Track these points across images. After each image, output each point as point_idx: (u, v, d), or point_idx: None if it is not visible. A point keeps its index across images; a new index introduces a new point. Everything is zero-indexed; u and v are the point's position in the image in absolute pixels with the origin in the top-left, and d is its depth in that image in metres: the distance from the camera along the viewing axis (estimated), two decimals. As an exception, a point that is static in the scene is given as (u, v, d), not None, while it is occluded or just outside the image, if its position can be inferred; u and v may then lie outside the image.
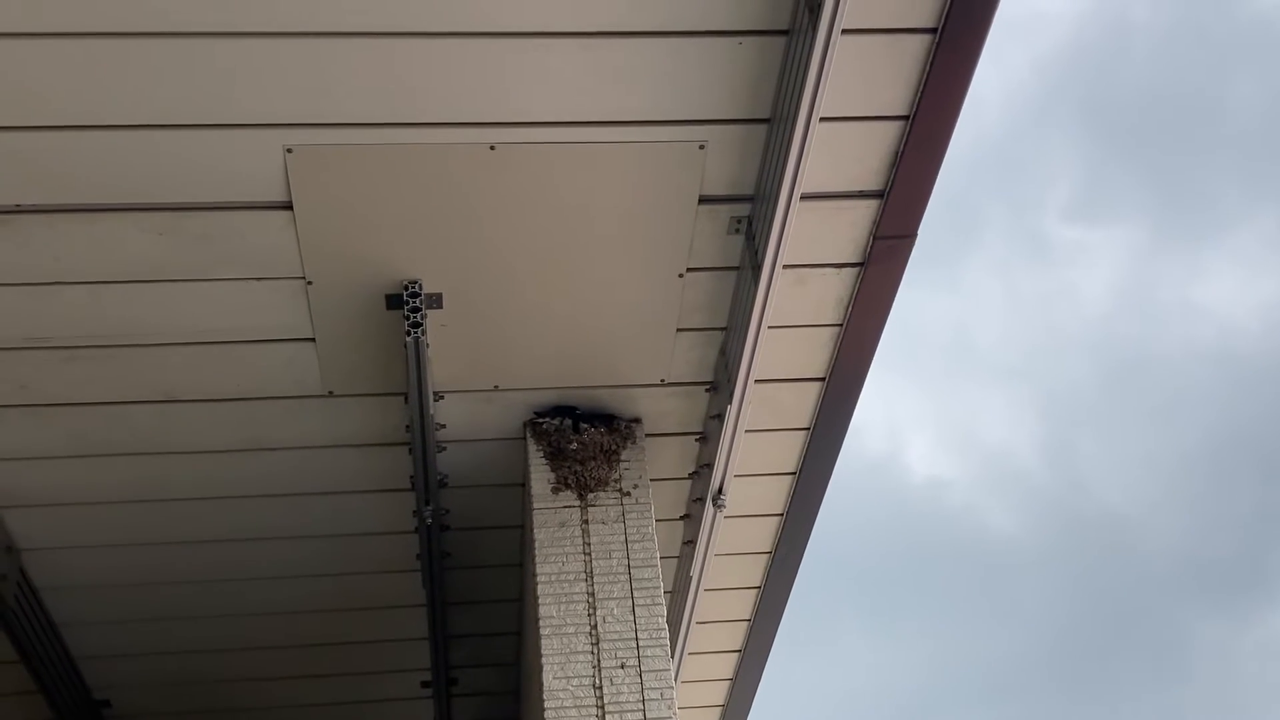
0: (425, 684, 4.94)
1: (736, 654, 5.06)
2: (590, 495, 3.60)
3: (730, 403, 3.44)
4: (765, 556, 4.49)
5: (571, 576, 3.45)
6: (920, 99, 2.89)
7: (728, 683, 5.26)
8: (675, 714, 3.22)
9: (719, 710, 5.46)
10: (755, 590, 4.68)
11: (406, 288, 3.19)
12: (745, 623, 4.87)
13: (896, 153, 3.03)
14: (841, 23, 2.52)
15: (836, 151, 3.01)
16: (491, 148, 2.90)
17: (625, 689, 3.24)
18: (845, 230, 3.23)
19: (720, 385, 3.59)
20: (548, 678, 3.24)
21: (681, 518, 4.16)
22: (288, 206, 2.98)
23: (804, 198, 3.00)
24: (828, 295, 3.41)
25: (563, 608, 3.38)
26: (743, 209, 3.16)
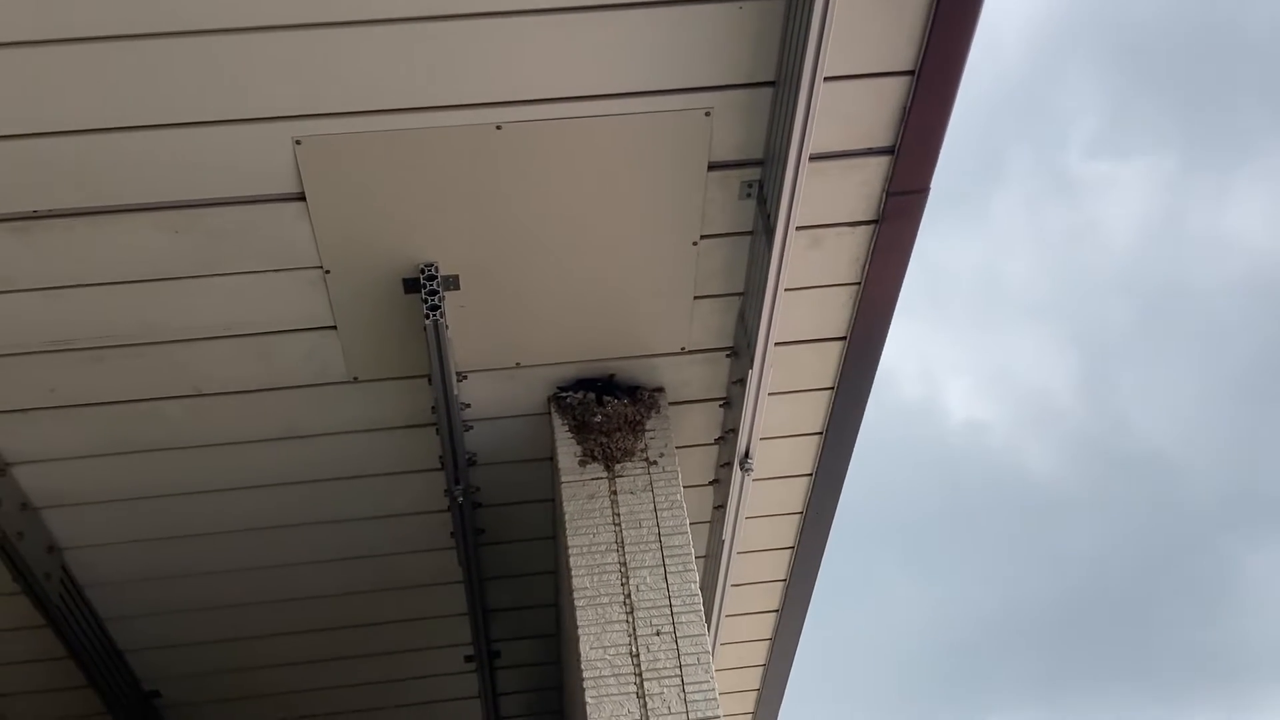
0: (469, 658, 5.00)
1: (774, 614, 5.09)
2: (617, 466, 3.62)
3: (751, 367, 3.45)
4: (797, 517, 4.51)
5: (603, 547, 3.48)
6: (925, 52, 2.87)
7: (767, 642, 5.30)
8: (713, 678, 3.25)
9: (760, 670, 5.50)
10: (789, 550, 4.70)
11: (423, 271, 3.21)
12: (781, 583, 4.89)
13: (904, 108, 3.01)
14: (840, -19, 2.51)
15: (844, 110, 3.00)
16: (498, 127, 2.91)
17: (662, 655, 3.27)
18: (857, 188, 3.22)
19: (740, 350, 3.60)
20: (584, 648, 3.28)
21: (711, 483, 4.18)
22: (300, 198, 3.00)
23: (814, 158, 3.00)
24: (843, 254, 3.40)
25: (596, 578, 3.41)
26: (753, 173, 3.15)
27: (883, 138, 3.10)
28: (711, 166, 3.11)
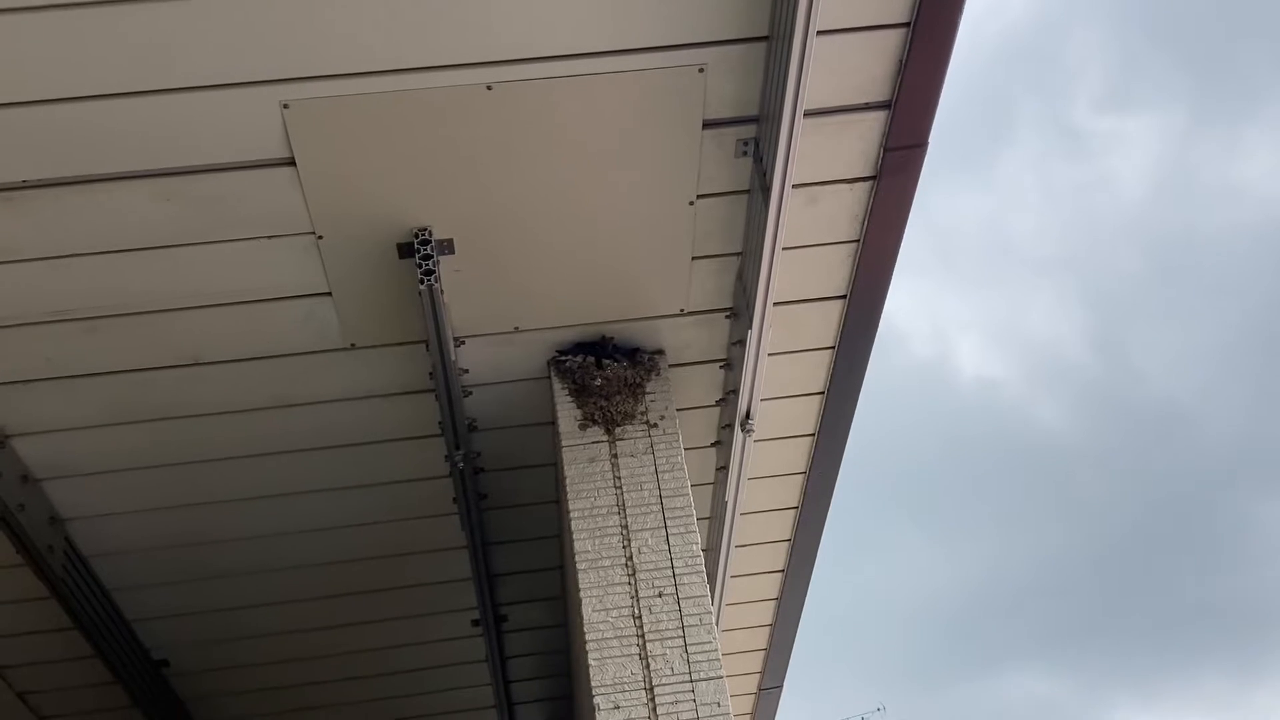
0: (475, 622, 5.01)
1: (779, 574, 5.09)
2: (618, 429, 3.61)
3: (751, 327, 3.42)
4: (800, 477, 4.49)
5: (604, 510, 3.46)
6: (920, 3, 2.82)
7: (773, 603, 5.30)
8: (716, 638, 3.24)
9: (767, 629, 5.51)
10: (793, 510, 4.69)
11: (417, 235, 3.18)
12: (786, 543, 4.89)
13: (900, 61, 2.97)
14: (831, -68, 2.46)
15: (839, 65, 2.95)
16: (489, 88, 2.87)
17: (664, 617, 3.27)
18: (854, 144, 3.18)
19: (740, 311, 3.57)
20: (587, 610, 3.27)
21: (713, 445, 4.16)
22: (291, 163, 2.97)
23: (809, 114, 2.95)
24: (841, 212, 3.37)
25: (597, 541, 3.40)
26: (748, 130, 3.11)
27: (879, 92, 3.05)
28: (706, 124, 3.07)
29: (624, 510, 3.47)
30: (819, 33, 2.69)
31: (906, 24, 2.88)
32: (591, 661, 3.20)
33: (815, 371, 3.97)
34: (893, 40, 2.92)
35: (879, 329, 3.85)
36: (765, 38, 2.87)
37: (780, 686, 5.99)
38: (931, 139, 3.20)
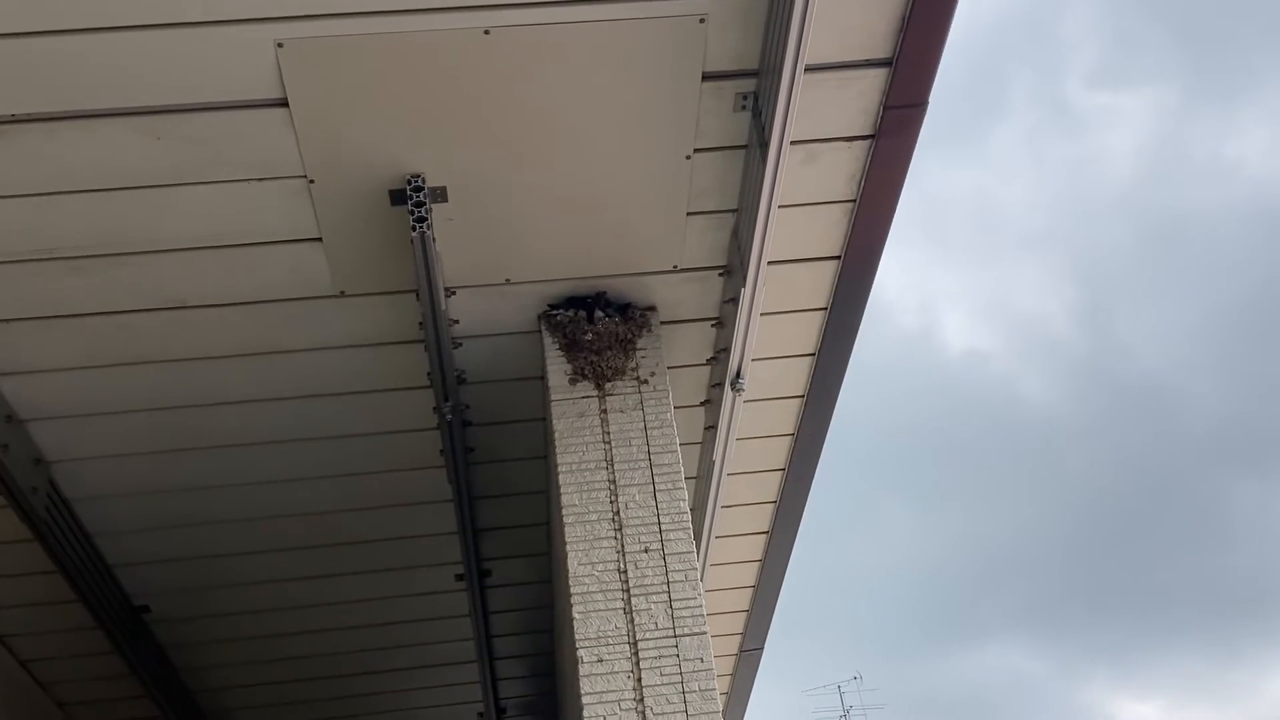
0: (459, 577, 5.00)
1: (764, 535, 5.10)
2: (608, 385, 3.59)
3: (744, 286, 3.40)
4: (788, 439, 4.49)
5: (592, 465, 3.45)
6: (926, -41, 2.79)
7: (757, 564, 5.31)
8: (700, 594, 3.25)
9: (750, 591, 5.52)
10: (780, 472, 4.69)
11: (410, 182, 3.14)
12: (772, 505, 4.89)
13: (903, 18, 2.93)
14: (839, -120, 2.42)
15: (842, 20, 2.92)
16: (486, 32, 2.83)
17: (650, 572, 3.27)
18: (854, 101, 3.14)
19: (734, 268, 3.55)
20: (572, 564, 3.27)
21: (702, 404, 4.15)
22: (283, 104, 2.92)
23: (810, 69, 2.92)
24: (839, 170, 3.34)
25: (585, 495, 3.39)
26: (748, 84, 3.08)
27: (881, 49, 3.02)
28: (706, 77, 3.03)
29: (612, 466, 3.46)
30: (823, -15, 2.66)
31: (911, -20, 2.85)
32: (576, 615, 3.20)
33: (807, 333, 3.95)
34: (897, -5, 2.89)
35: (871, 294, 3.84)
36: (768, -11, 2.83)
37: (761, 649, 6.02)
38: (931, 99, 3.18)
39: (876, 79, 3.09)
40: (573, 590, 3.23)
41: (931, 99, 3.18)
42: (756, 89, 3.07)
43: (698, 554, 3.49)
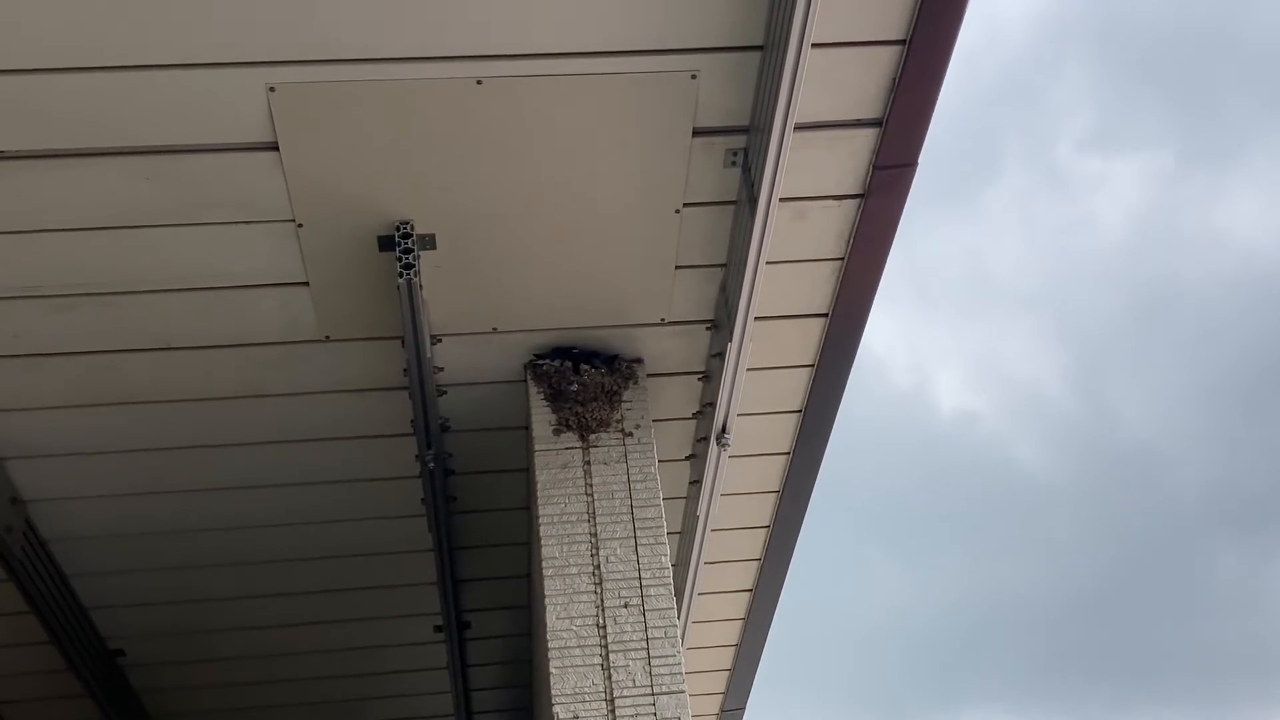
0: (438, 628, 4.95)
1: (748, 593, 5.06)
2: (592, 436, 3.57)
3: (731, 341, 3.39)
4: (773, 495, 4.47)
5: (574, 517, 3.43)
6: (916, 21, 2.81)
7: (740, 622, 5.26)
8: (680, 652, 3.21)
9: (732, 649, 5.47)
10: (765, 529, 4.66)
11: (398, 229, 3.14)
12: (756, 562, 4.86)
13: (894, 79, 2.96)
14: (831, -58, 2.45)
15: (833, 79, 2.94)
16: (479, 82, 2.84)
17: (629, 627, 3.23)
18: (844, 160, 3.16)
19: (721, 323, 3.55)
20: (551, 618, 3.23)
21: (687, 458, 4.13)
22: (274, 147, 2.93)
23: (800, 128, 2.94)
24: (828, 228, 3.35)
25: (565, 548, 3.36)
26: (738, 141, 3.09)
27: (871, 109, 3.04)
28: (696, 132, 3.04)
29: (594, 518, 3.43)
30: (813, 45, 2.67)
31: (902, 41, 2.87)
32: (553, 669, 3.16)
33: (793, 389, 3.94)
34: (887, 57, 2.91)
35: (858, 351, 3.84)
36: (760, 47, 2.85)
37: (743, 709, 5.95)
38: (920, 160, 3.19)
39: (867, 139, 3.10)
40: (550, 644, 3.19)
41: (922, 159, 3.20)
42: (746, 145, 3.09)
43: (679, 611, 3.46)
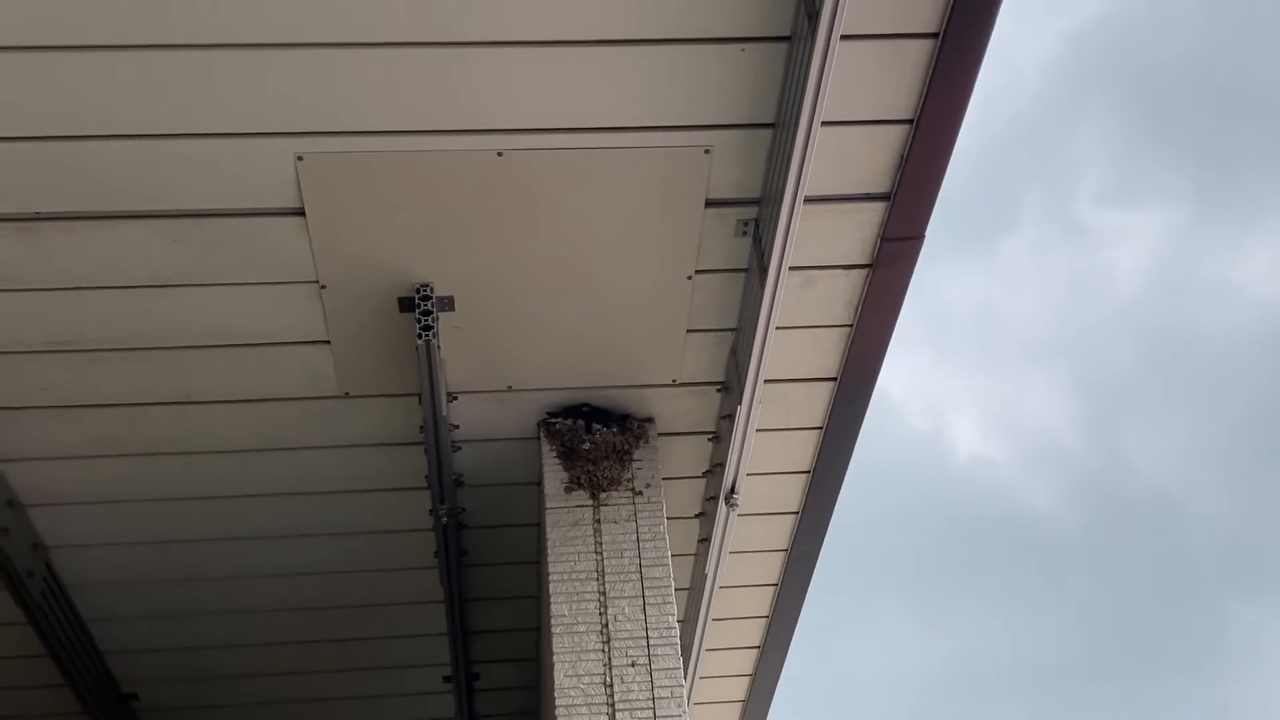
0: (447, 679, 4.99)
1: (755, 650, 5.08)
2: (603, 495, 3.63)
3: (741, 403, 3.46)
4: (782, 554, 4.51)
5: (583, 575, 3.48)
6: (924, 102, 2.90)
7: (748, 679, 5.29)
8: (686, 712, 3.25)
9: (740, 705, 5.48)
10: (773, 588, 4.70)
11: (418, 291, 3.24)
12: (764, 620, 4.89)
13: (902, 156, 3.04)
14: (840, 29, 2.53)
15: (842, 155, 3.02)
16: (500, 154, 2.94)
17: (635, 687, 3.28)
18: (853, 232, 3.24)
19: (731, 385, 3.62)
20: (559, 675, 3.28)
21: (696, 516, 4.19)
22: (300, 213, 3.03)
23: (810, 200, 3.02)
24: (837, 296, 3.43)
25: (574, 606, 3.42)
26: (749, 212, 3.18)
27: (879, 184, 3.12)
28: (709, 203, 3.13)
29: (603, 577, 3.48)
30: (824, 123, 2.76)
31: (910, 120, 2.96)
32: (560, 726, 3.21)
33: (802, 450, 4.00)
34: (896, 135, 3.00)
35: (869, 409, 3.90)
36: (771, 125, 2.95)
37: (750, 764, 5.95)
38: (929, 231, 3.27)
39: (875, 212, 3.19)
40: (557, 701, 3.24)
41: (933, 221, 3.27)
42: (757, 216, 3.17)
43: (687, 668, 3.50)
